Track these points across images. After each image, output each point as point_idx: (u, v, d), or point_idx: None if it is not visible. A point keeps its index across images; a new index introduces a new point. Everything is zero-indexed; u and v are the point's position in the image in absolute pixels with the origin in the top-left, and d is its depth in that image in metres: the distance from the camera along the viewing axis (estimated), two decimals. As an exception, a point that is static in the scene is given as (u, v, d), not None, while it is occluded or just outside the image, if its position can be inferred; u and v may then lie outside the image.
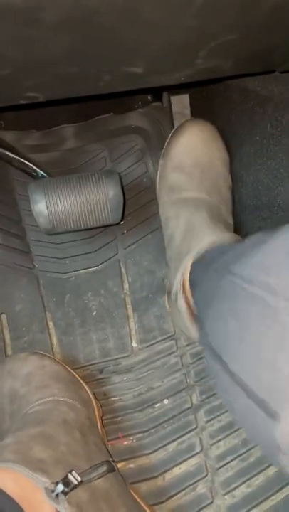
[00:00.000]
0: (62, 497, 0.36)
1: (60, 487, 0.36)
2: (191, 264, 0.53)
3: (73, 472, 0.39)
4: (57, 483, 0.36)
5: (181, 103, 0.68)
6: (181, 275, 0.54)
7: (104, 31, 0.27)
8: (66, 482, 0.37)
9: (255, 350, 0.29)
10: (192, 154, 0.62)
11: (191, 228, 0.56)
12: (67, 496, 0.36)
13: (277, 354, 0.26)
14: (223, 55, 0.35)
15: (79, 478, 0.38)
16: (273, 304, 0.27)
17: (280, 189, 0.54)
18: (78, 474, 0.39)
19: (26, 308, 0.68)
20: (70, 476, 0.38)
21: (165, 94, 0.72)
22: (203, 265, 0.49)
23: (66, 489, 0.36)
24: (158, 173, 0.66)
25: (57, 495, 0.36)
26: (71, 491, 0.37)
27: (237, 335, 0.31)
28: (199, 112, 0.69)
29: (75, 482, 0.38)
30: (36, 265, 0.72)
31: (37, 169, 0.64)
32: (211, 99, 0.67)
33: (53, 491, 0.36)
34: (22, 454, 0.39)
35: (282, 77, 0.47)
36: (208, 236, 0.53)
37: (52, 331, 0.68)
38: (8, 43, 0.26)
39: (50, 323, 0.68)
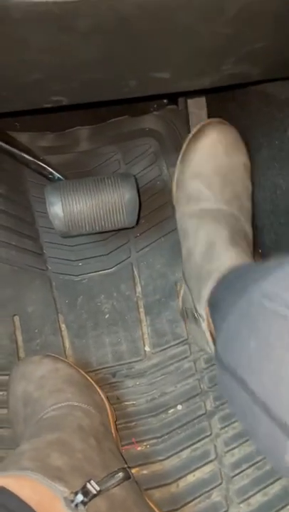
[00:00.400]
0: (81, 507, 0.35)
1: (80, 497, 0.36)
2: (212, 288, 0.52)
3: (92, 481, 0.38)
4: (76, 493, 0.36)
5: (197, 106, 0.68)
6: (205, 301, 0.52)
7: (137, 38, 0.27)
8: (85, 492, 0.37)
9: (277, 369, 0.28)
10: (212, 161, 0.59)
11: (211, 248, 0.54)
12: (86, 506, 0.36)
13: None
14: (251, 62, 0.35)
15: (98, 488, 0.38)
16: None
17: (298, 194, 0.53)
18: (96, 483, 0.39)
19: (39, 310, 0.68)
20: (88, 486, 0.37)
21: (181, 97, 0.71)
22: (222, 287, 0.49)
23: (85, 499, 0.36)
24: (175, 178, 0.64)
25: (76, 505, 0.35)
26: (90, 500, 0.36)
27: (258, 353, 0.31)
28: (216, 115, 0.68)
29: (94, 492, 0.37)
30: (49, 267, 0.71)
31: (53, 172, 0.64)
32: (228, 101, 0.67)
33: (72, 501, 0.35)
34: (39, 462, 0.38)
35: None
36: (229, 259, 0.51)
37: (64, 333, 0.68)
38: (42, 49, 0.26)
39: (63, 326, 0.68)
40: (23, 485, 0.35)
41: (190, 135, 0.61)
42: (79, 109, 0.52)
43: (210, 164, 0.59)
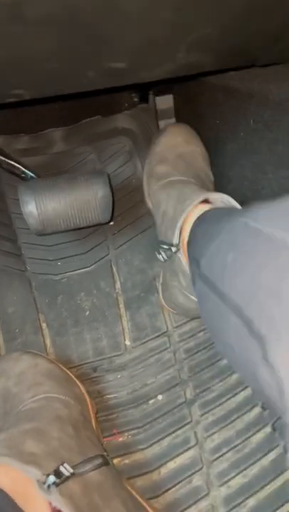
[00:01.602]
0: (53, 488, 0.36)
1: (52, 478, 0.36)
2: (187, 229, 0.53)
3: (65, 464, 0.39)
4: (48, 475, 0.36)
5: (165, 103, 0.70)
6: (178, 230, 0.53)
7: (88, 27, 0.28)
8: (58, 474, 0.37)
9: (255, 279, 0.28)
10: (174, 149, 0.66)
11: (182, 194, 0.57)
12: (58, 487, 0.36)
13: (282, 284, 0.26)
14: (202, 49, 0.36)
15: (71, 470, 0.38)
16: (279, 237, 0.27)
17: (264, 183, 0.55)
18: (71, 467, 0.39)
19: (19, 310, 0.69)
20: (61, 468, 0.38)
21: (150, 95, 0.73)
22: (200, 223, 0.49)
23: (58, 481, 0.36)
24: (144, 171, 0.68)
25: (48, 486, 0.36)
26: (63, 482, 0.37)
27: (234, 263, 0.31)
28: (184, 111, 0.70)
29: (67, 474, 0.38)
30: (28, 268, 0.72)
31: (26, 171, 0.65)
32: (195, 98, 0.69)
33: (44, 483, 0.36)
34: (14, 449, 0.39)
35: (262, 73, 0.49)
36: (201, 194, 0.53)
37: (45, 332, 0.68)
38: (-7, 40, 0.27)
39: (44, 325, 0.69)
40: None
41: (155, 135, 0.69)
42: (50, 103, 0.53)
43: (173, 151, 0.66)
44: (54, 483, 0.36)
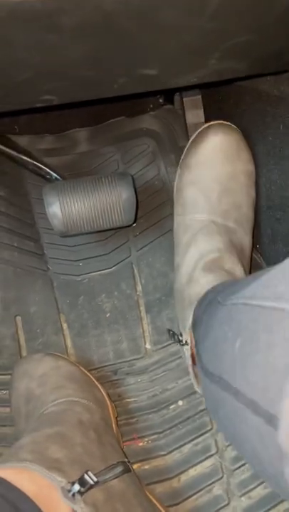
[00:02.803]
0: (78, 497, 0.36)
1: (77, 487, 0.36)
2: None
3: (89, 472, 0.39)
4: (73, 483, 0.37)
5: (193, 104, 0.69)
6: (188, 328, 0.52)
7: (122, 35, 0.28)
8: (82, 482, 0.37)
9: (264, 357, 0.26)
10: (211, 168, 0.56)
11: (194, 270, 0.54)
12: (83, 496, 0.36)
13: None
14: (237, 56, 0.35)
15: (95, 479, 0.38)
16: (281, 307, 0.25)
17: (293, 189, 0.54)
18: (94, 475, 0.40)
19: (41, 310, 0.69)
20: (86, 476, 0.38)
21: (177, 96, 0.72)
22: (202, 305, 0.48)
23: (82, 489, 0.36)
24: (175, 183, 0.62)
25: (73, 494, 0.36)
26: (87, 491, 0.37)
27: (242, 350, 0.29)
28: (211, 113, 0.69)
29: (91, 482, 0.38)
30: (50, 268, 0.72)
31: (51, 172, 0.65)
32: (223, 100, 0.67)
33: (69, 491, 0.36)
34: (38, 454, 0.39)
35: (294, 77, 0.47)
36: (207, 283, 0.51)
37: (66, 332, 0.68)
38: (29, 48, 0.27)
39: (64, 325, 0.69)
40: (21, 476, 0.36)
41: (191, 139, 0.59)
42: (75, 107, 0.53)
43: (209, 172, 0.56)
44: (79, 491, 0.36)
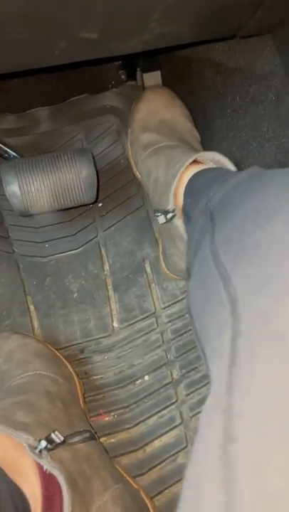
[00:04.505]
0: (45, 453, 0.36)
1: (44, 443, 0.37)
2: (181, 192, 0.51)
3: (56, 432, 0.39)
4: (40, 441, 0.37)
5: (153, 80, 0.68)
6: (173, 195, 0.52)
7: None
8: (49, 440, 0.38)
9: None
10: (155, 114, 0.65)
11: (172, 159, 0.56)
12: (50, 453, 0.37)
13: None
14: (176, 18, 0.35)
15: (62, 438, 0.39)
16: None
17: (250, 160, 0.54)
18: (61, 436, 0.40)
19: (7, 292, 0.68)
20: (52, 435, 0.39)
21: (138, 72, 0.71)
22: (192, 195, 0.48)
23: (49, 446, 0.37)
24: (128, 141, 0.68)
25: (40, 451, 0.36)
26: (54, 448, 0.37)
27: (201, 306, 0.30)
28: (172, 88, 0.68)
29: (58, 441, 0.38)
30: (16, 250, 0.71)
31: (9, 151, 0.64)
32: (182, 75, 0.67)
33: (36, 448, 0.36)
34: (5, 418, 0.39)
35: (247, 48, 0.47)
36: (191, 155, 0.51)
37: (33, 314, 0.68)
38: None
39: (31, 307, 0.68)
40: None
41: (133, 104, 0.67)
42: (30, 74, 0.51)
43: (154, 117, 0.65)
44: (46, 447, 0.36)
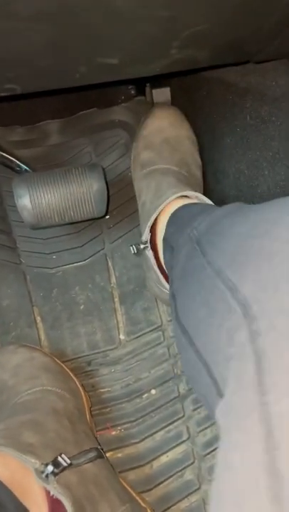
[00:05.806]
0: (51, 478, 0.36)
1: (50, 468, 0.37)
2: (164, 221, 0.54)
3: (63, 455, 0.39)
4: (46, 465, 0.37)
5: (163, 96, 0.69)
6: (148, 228, 0.55)
7: (77, 23, 0.28)
8: (56, 464, 0.38)
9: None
10: (160, 133, 0.65)
11: (159, 189, 0.57)
12: (56, 477, 0.37)
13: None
14: (197, 45, 0.36)
15: (68, 461, 0.39)
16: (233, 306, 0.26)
17: (260, 179, 0.55)
18: (68, 458, 0.40)
19: (14, 303, 0.69)
20: (59, 459, 0.39)
21: (147, 88, 0.72)
22: (175, 226, 0.50)
23: (56, 470, 0.37)
24: (132, 155, 0.69)
25: (47, 476, 0.36)
26: (61, 472, 0.37)
27: (204, 322, 0.31)
28: (181, 105, 0.70)
29: (65, 464, 0.38)
30: (23, 261, 0.72)
31: (20, 164, 0.64)
32: (193, 92, 0.68)
33: (42, 472, 0.36)
34: (11, 439, 0.39)
35: (259, 69, 0.48)
36: (177, 192, 0.54)
37: (40, 325, 0.68)
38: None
39: (38, 318, 0.69)
40: None
41: (142, 119, 0.67)
42: (45, 96, 0.52)
43: (159, 135, 0.66)
44: (52, 472, 0.36)
